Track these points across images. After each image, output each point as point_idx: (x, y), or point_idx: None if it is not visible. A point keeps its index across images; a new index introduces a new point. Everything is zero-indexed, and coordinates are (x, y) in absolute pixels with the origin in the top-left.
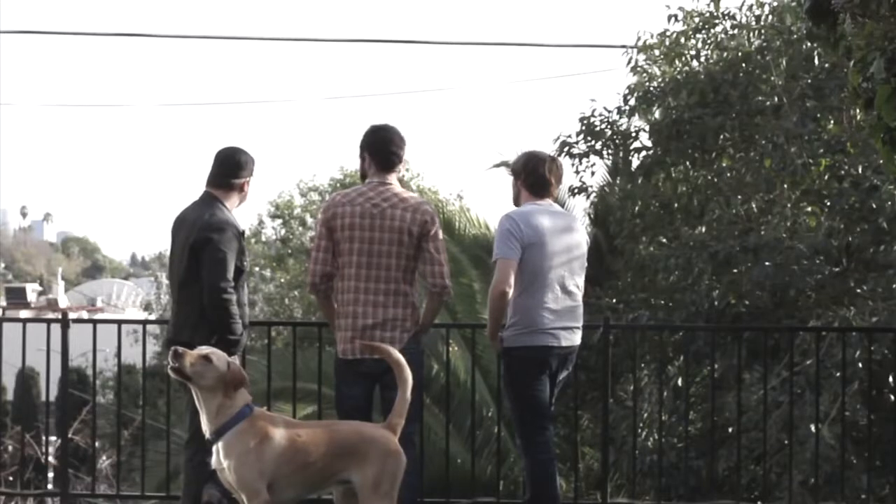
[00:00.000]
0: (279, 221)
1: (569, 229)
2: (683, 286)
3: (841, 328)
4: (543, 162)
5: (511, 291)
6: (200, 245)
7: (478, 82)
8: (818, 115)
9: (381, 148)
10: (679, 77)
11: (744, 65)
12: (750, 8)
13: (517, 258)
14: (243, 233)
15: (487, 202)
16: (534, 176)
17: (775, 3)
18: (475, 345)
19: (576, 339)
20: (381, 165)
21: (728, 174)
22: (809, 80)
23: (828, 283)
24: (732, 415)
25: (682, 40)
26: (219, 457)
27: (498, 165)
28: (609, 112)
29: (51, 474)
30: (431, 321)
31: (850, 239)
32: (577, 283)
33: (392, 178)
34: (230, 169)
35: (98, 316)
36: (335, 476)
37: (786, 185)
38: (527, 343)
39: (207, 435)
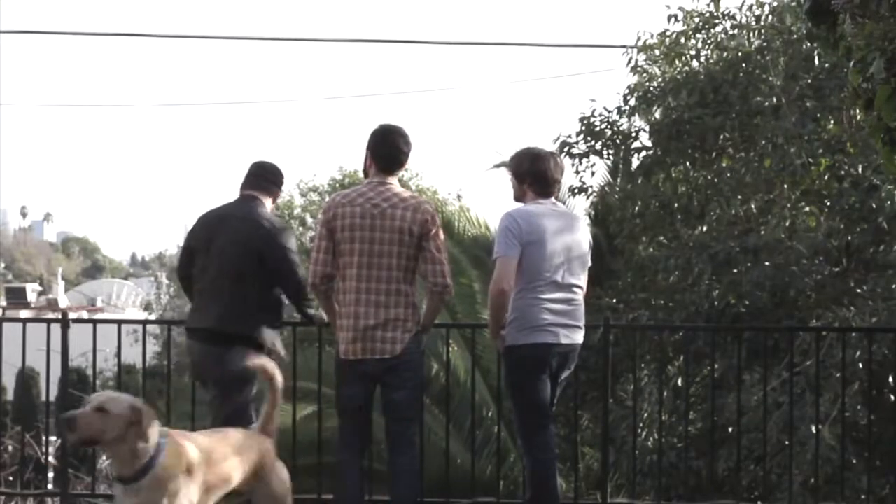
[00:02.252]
0: None
1: (570, 228)
2: (683, 286)
3: (841, 328)
4: (547, 161)
5: (510, 289)
6: (271, 244)
7: (478, 82)
8: (818, 115)
9: (384, 149)
10: (679, 77)
11: (744, 65)
12: (750, 8)
13: (516, 256)
14: None
15: (487, 202)
16: (541, 178)
17: (775, 3)
18: (475, 345)
19: (577, 338)
20: (383, 166)
21: (728, 174)
22: (809, 81)
23: (828, 283)
24: (732, 415)
25: (682, 40)
26: (141, 496)
27: (498, 166)
28: (609, 112)
29: (51, 474)
30: (432, 321)
31: (850, 239)
32: (578, 283)
33: (392, 179)
34: (275, 176)
35: (98, 316)
36: (243, 486)
37: (785, 186)
38: (526, 341)
39: (124, 477)
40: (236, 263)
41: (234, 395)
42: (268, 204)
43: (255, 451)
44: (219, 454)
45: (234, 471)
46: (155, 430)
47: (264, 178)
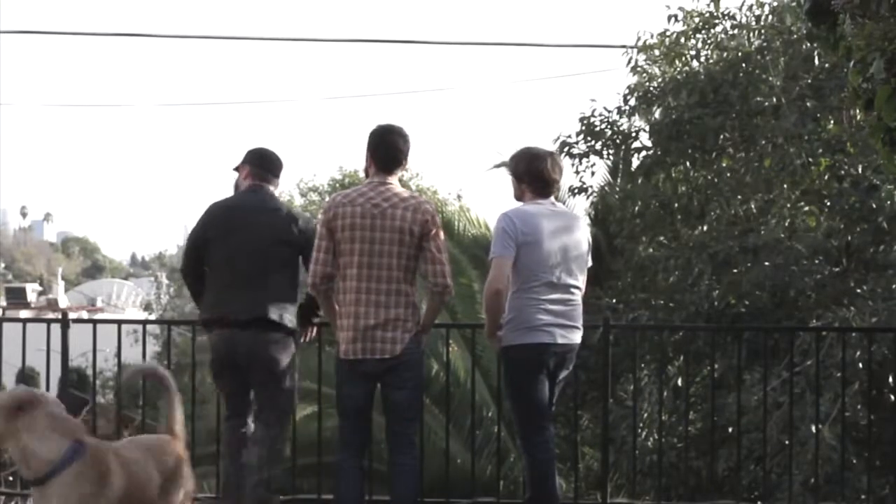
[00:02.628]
0: None
1: (568, 228)
2: (683, 286)
3: (841, 328)
4: (545, 161)
5: (505, 290)
6: (302, 230)
7: (478, 82)
8: (818, 115)
9: (383, 149)
10: (679, 77)
11: (744, 65)
12: (750, 8)
13: (512, 256)
14: None
15: (487, 202)
16: (541, 178)
17: (775, 3)
18: (475, 345)
19: (574, 338)
20: (382, 166)
21: (728, 174)
22: (809, 81)
23: (828, 283)
24: (732, 415)
25: (682, 40)
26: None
27: (498, 166)
28: (609, 112)
29: None
30: (432, 321)
31: (850, 239)
32: (576, 283)
33: (392, 178)
34: (278, 166)
35: (98, 316)
36: (157, 496)
37: (785, 186)
38: (523, 341)
39: (28, 479)
40: (267, 252)
41: (284, 381)
42: (276, 193)
43: (172, 457)
44: (139, 465)
45: (152, 481)
46: (52, 427)
47: (269, 169)
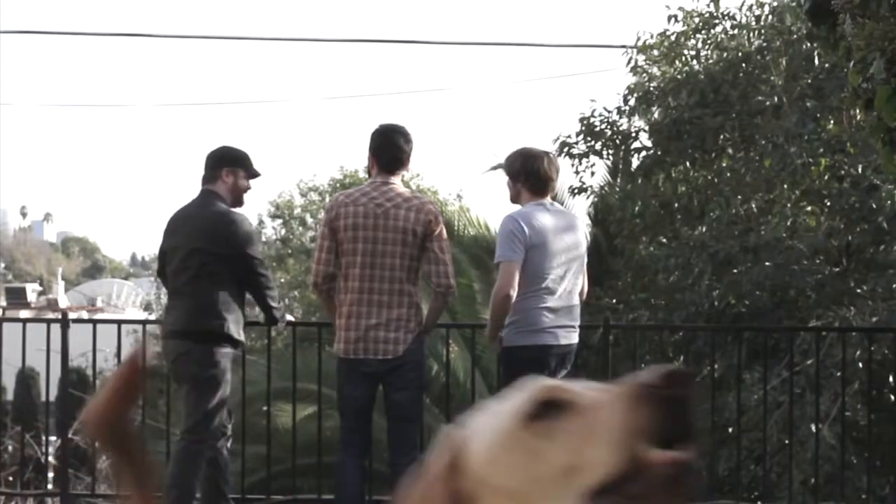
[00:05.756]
0: (279, 221)
1: (569, 228)
2: (683, 286)
3: (841, 328)
4: (541, 160)
5: (514, 294)
6: (231, 241)
7: (478, 82)
8: (818, 115)
9: (386, 149)
10: (679, 77)
11: (744, 65)
12: (750, 8)
13: (520, 260)
14: None
15: (487, 202)
16: (536, 177)
17: (775, 3)
18: (475, 345)
19: (573, 337)
20: (385, 166)
21: (728, 174)
22: (809, 80)
23: (828, 283)
24: (732, 415)
25: (682, 40)
26: None
27: (495, 168)
28: (609, 112)
29: (51, 474)
30: (435, 321)
31: (850, 239)
32: (577, 283)
33: (395, 178)
34: (218, 160)
35: (98, 316)
36: None
37: (786, 185)
38: (525, 342)
39: None
40: (200, 261)
41: (209, 394)
42: (223, 191)
43: None
44: None
45: None
46: None
47: (211, 168)
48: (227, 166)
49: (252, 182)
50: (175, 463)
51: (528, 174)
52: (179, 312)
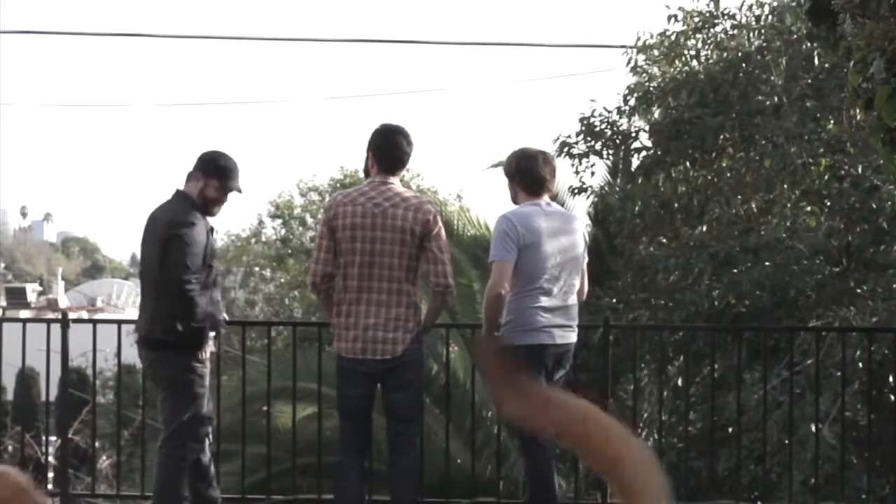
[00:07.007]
0: (279, 221)
1: (565, 229)
2: (683, 286)
3: (841, 328)
4: (536, 159)
5: (507, 293)
6: (167, 240)
7: (478, 82)
8: (818, 115)
9: (386, 149)
10: (679, 77)
11: (744, 65)
12: (750, 8)
13: (513, 260)
14: (212, 229)
15: (487, 202)
16: (530, 176)
17: (775, 3)
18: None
19: (571, 337)
20: (384, 166)
21: (728, 174)
22: (809, 80)
23: (828, 283)
24: (732, 415)
25: (682, 40)
26: None
27: (495, 166)
28: (609, 112)
29: (51, 474)
30: (434, 321)
31: (850, 239)
32: (573, 283)
33: (394, 178)
34: (196, 163)
35: (98, 316)
36: None
37: (786, 185)
38: (523, 342)
39: None
40: (151, 266)
41: (186, 400)
42: (194, 194)
43: None
44: None
45: None
46: None
47: (193, 168)
48: (204, 171)
49: (230, 196)
50: (160, 471)
51: (523, 174)
52: (145, 318)
